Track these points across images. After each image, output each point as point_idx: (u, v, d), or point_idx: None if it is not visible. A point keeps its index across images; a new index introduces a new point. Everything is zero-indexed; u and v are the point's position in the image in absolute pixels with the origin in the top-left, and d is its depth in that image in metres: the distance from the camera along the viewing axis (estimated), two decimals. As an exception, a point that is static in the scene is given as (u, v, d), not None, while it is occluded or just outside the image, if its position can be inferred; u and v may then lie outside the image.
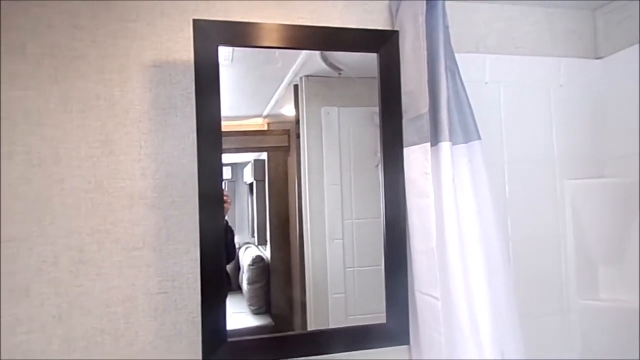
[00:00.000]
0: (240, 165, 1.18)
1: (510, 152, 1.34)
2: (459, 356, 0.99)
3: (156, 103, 1.08)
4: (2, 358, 0.98)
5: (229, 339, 1.00)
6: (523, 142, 1.36)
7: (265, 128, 1.19)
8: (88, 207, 1.04)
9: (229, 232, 1.10)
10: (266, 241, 1.16)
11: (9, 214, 0.99)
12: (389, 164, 1.07)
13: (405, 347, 1.17)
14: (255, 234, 1.17)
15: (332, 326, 1.14)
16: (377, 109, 1.09)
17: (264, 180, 1.16)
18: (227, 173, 1.14)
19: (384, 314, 1.08)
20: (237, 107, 1.16)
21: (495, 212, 1.10)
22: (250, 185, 1.16)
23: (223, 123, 1.02)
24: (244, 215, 1.17)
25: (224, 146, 1.01)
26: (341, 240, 1.18)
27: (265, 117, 1.18)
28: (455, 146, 1.05)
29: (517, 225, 1.33)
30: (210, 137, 0.99)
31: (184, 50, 1.09)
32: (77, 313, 1.02)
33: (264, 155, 1.18)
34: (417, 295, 1.07)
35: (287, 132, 1.19)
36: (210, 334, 0.99)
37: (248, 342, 1.04)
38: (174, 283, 1.07)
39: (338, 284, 1.17)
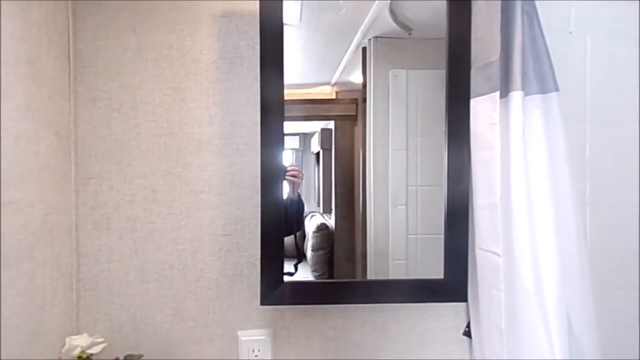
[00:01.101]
0: (308, 136, 1.19)
1: (594, 111, 1.22)
2: (520, 315, 0.95)
3: (223, 53, 1.11)
4: (85, 285, 1.09)
5: (286, 280, 1.04)
6: (610, 101, 1.23)
7: (334, 97, 1.19)
8: (161, 151, 1.11)
9: (300, 206, 1.13)
10: (331, 209, 1.16)
11: (93, 154, 1.09)
12: (454, 115, 1.03)
13: (462, 304, 1.15)
14: (321, 203, 1.18)
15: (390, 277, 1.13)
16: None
17: (331, 150, 1.16)
18: (295, 143, 1.16)
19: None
20: (305, 74, 1.16)
21: (571, 172, 1.02)
22: (317, 154, 1.17)
23: (292, 91, 1.03)
24: (310, 185, 1.18)
25: (292, 114, 1.03)
26: (405, 207, 1.16)
27: (334, 85, 1.18)
28: (529, 97, 0.98)
29: (597, 190, 1.23)
30: (273, 85, 1.00)
31: (251, 1, 1.10)
32: (150, 248, 1.11)
33: (331, 125, 1.18)
34: (478, 252, 1.03)
35: (354, 101, 1.17)
36: (268, 275, 1.03)
37: (304, 284, 1.07)
38: (237, 226, 1.12)
39: (400, 251, 1.16)
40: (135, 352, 1.07)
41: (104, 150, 1.10)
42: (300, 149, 1.18)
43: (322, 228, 1.18)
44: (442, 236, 1.06)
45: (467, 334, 1.16)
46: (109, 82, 1.09)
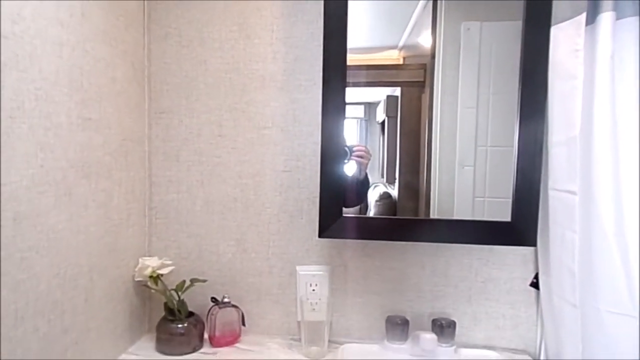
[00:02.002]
0: (373, 105, 1.16)
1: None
2: (596, 260, 0.88)
3: (288, -14, 1.11)
4: (157, 214, 1.16)
5: (344, 215, 1.03)
6: None
7: (401, 62, 1.14)
8: (226, 86, 1.13)
9: (366, 184, 1.11)
10: (395, 179, 1.13)
11: (165, 89, 1.14)
12: (531, 44, 0.95)
13: (531, 254, 1.09)
14: (385, 174, 1.15)
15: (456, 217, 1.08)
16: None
17: (396, 117, 1.12)
18: (359, 112, 1.14)
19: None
20: (371, 37, 1.12)
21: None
22: (382, 124, 1.13)
23: (357, 56, 1.01)
24: (374, 155, 1.15)
25: (356, 80, 1.02)
26: (472, 168, 1.10)
27: (401, 49, 1.12)
28: (621, 20, 0.88)
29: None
30: (336, 45, 0.99)
31: None
32: (215, 180, 1.15)
33: (397, 92, 1.13)
34: (551, 193, 0.96)
35: (423, 66, 1.12)
36: (326, 208, 1.03)
37: (364, 219, 1.06)
38: (298, 163, 1.13)
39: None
40: (201, 278, 1.12)
41: (174, 85, 1.14)
42: (365, 118, 1.15)
43: (384, 197, 1.15)
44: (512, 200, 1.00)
45: (535, 285, 1.09)
46: (180, 19, 1.13)
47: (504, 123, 1.04)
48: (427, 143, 1.10)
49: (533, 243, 1.00)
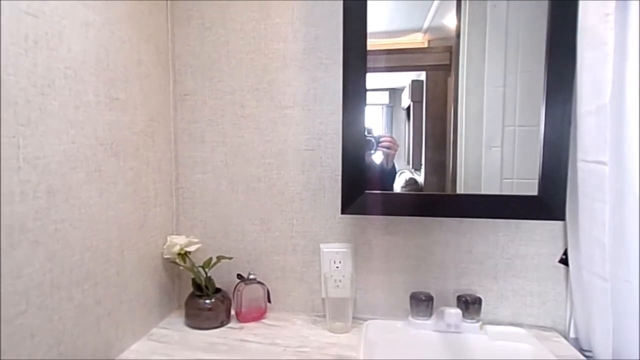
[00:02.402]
0: (398, 91, 1.14)
1: None
2: (628, 232, 0.85)
3: (307, -36, 1.10)
4: (183, 194, 1.19)
5: (366, 191, 1.03)
6: None
7: (425, 45, 1.12)
8: (248, 67, 1.15)
9: (392, 174, 1.10)
10: (420, 165, 1.11)
11: (189, 71, 1.16)
12: (558, 10, 0.92)
13: (559, 231, 1.07)
14: (411, 160, 1.13)
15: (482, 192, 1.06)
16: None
17: (422, 102, 1.10)
18: (384, 98, 1.12)
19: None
20: (394, 20, 1.10)
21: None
22: (407, 110, 1.12)
23: (379, 40, 1.01)
24: (400, 142, 1.13)
25: (380, 65, 1.02)
26: (500, 149, 1.07)
27: (426, 31, 1.10)
28: (654, -20, 0.84)
29: None
30: (356, 27, 0.99)
31: None
32: (239, 160, 1.17)
33: (423, 76, 1.11)
34: (580, 165, 0.93)
35: (448, 49, 1.09)
36: (349, 185, 1.03)
37: (387, 195, 1.06)
38: (320, 142, 1.14)
39: None
40: (227, 255, 1.15)
41: (198, 68, 1.16)
42: (390, 105, 1.13)
43: (410, 183, 1.14)
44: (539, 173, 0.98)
45: (564, 261, 1.07)
46: (201, 1, 1.14)
47: (532, 102, 1.01)
48: (453, 126, 1.08)
49: (561, 217, 0.98)
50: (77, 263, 0.78)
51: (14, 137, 0.63)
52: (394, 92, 1.13)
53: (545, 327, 1.09)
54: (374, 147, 1.06)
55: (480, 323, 1.04)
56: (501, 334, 1.03)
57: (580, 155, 0.94)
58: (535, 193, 0.98)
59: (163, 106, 1.12)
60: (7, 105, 0.62)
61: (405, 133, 1.12)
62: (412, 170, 1.14)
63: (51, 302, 0.72)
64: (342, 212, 1.05)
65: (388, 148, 1.07)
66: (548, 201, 0.97)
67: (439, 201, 1.04)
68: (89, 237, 0.82)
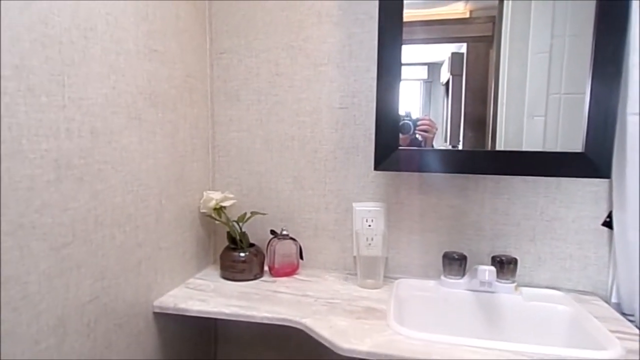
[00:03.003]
0: (436, 65, 1.10)
1: None
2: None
3: None
4: (219, 152, 1.22)
5: (400, 148, 1.02)
6: None
7: (467, 16, 1.07)
8: (283, 24, 1.14)
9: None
10: (458, 142, 1.08)
11: (224, 29, 1.17)
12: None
13: (603, 192, 1.02)
14: (449, 137, 1.10)
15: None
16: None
17: (461, 75, 1.06)
18: (422, 73, 1.09)
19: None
20: None
21: None
22: (446, 85, 1.08)
23: (418, 11, 0.99)
24: (438, 120, 1.10)
25: (419, 37, 1.00)
26: (543, 118, 1.02)
27: (467, 0, 1.06)
28: None
29: None
30: None
31: None
32: (273, 119, 1.18)
33: (463, 48, 1.07)
34: (629, 119, 0.89)
35: (491, 19, 1.04)
36: (382, 141, 1.02)
37: (422, 151, 1.04)
38: (354, 99, 1.13)
39: None
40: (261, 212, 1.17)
41: (234, 26, 1.17)
42: (429, 80, 1.10)
43: None
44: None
45: (608, 224, 1.02)
46: (237, -42, 1.15)
47: (580, 67, 0.96)
48: (494, 98, 1.04)
49: (607, 174, 0.93)
50: (119, 205, 0.82)
51: (59, 75, 0.66)
52: (433, 67, 1.09)
53: (585, 291, 1.05)
54: (412, 131, 1.04)
55: (515, 284, 1.01)
56: (537, 296, 1.00)
57: (630, 108, 0.89)
58: (581, 150, 0.94)
59: (200, 64, 1.13)
60: (53, 43, 0.65)
61: (443, 109, 1.09)
62: (451, 147, 1.11)
63: (95, 238, 0.76)
64: (375, 168, 1.04)
65: (426, 132, 1.05)
66: (594, 158, 0.93)
67: (476, 157, 1.01)
68: (130, 182, 0.85)
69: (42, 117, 0.64)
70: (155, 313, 0.95)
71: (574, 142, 0.96)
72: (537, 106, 1.03)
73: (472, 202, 1.10)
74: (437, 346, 0.76)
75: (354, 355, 0.76)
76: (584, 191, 1.03)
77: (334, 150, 1.16)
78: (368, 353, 0.75)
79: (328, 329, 0.83)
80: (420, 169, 1.04)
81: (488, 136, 1.05)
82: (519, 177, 1.05)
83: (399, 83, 1.00)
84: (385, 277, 1.10)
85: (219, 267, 1.15)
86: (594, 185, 1.02)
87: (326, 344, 0.80)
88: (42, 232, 0.64)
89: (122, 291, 0.84)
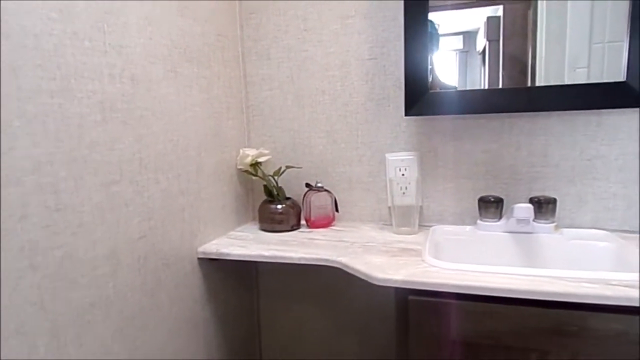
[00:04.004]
0: (472, 34, 1.08)
1: None
2: None
3: None
4: (253, 111, 1.25)
5: (431, 91, 1.02)
6: None
7: None
8: (309, -21, 1.15)
9: None
10: None
11: (252, -11, 1.20)
12: None
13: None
14: None
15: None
16: None
17: (498, 41, 1.03)
18: (458, 43, 1.07)
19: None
20: None
21: None
22: (483, 53, 1.05)
23: None
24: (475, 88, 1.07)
25: (453, 1, 0.99)
26: (586, 69, 0.99)
27: None
28: None
29: None
30: None
31: None
32: (304, 75, 1.20)
33: (500, 11, 1.03)
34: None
35: None
36: (412, 85, 1.02)
37: (453, 92, 1.03)
38: (383, 49, 1.13)
39: None
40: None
41: (261, -15, 1.19)
42: (465, 50, 1.08)
43: None
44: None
45: (654, 160, 0.98)
46: None
47: (626, 10, 0.91)
48: (532, 59, 1.01)
49: (651, 103, 0.89)
50: (161, 152, 0.87)
51: (100, 22, 0.71)
52: (468, 36, 1.07)
53: (630, 231, 1.01)
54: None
55: (554, 224, 0.99)
56: (579, 235, 0.98)
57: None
58: (623, 79, 0.90)
59: (230, 25, 1.17)
60: (92, -9, 0.69)
61: (481, 79, 1.06)
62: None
63: (140, 180, 0.81)
64: (407, 114, 1.04)
65: None
66: (637, 85, 0.89)
67: (512, 95, 0.99)
68: (170, 131, 0.90)
69: (87, 60, 0.68)
70: (199, 259, 1.01)
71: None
72: (579, 58, 0.99)
73: (508, 145, 1.08)
74: (472, 274, 0.76)
75: (389, 285, 0.77)
76: (627, 126, 0.99)
77: (364, 102, 1.16)
78: (403, 281, 0.76)
79: (364, 264, 0.85)
80: (453, 111, 1.03)
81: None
82: (557, 116, 1.03)
83: (426, 20, 0.99)
84: (420, 225, 1.11)
85: (257, 222, 1.19)
86: (637, 120, 0.98)
87: (362, 276, 0.82)
88: (93, 168, 0.70)
89: (168, 234, 0.89)
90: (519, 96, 0.98)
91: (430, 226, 1.10)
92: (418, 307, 0.76)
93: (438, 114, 1.06)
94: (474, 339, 0.74)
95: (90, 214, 0.69)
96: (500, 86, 1.02)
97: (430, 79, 1.03)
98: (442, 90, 1.03)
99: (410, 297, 0.77)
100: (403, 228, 1.09)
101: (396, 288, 0.78)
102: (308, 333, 1.31)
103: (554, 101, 0.95)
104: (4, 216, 0.55)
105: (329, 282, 1.26)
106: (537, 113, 1.03)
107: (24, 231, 0.58)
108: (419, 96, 1.02)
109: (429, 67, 1.02)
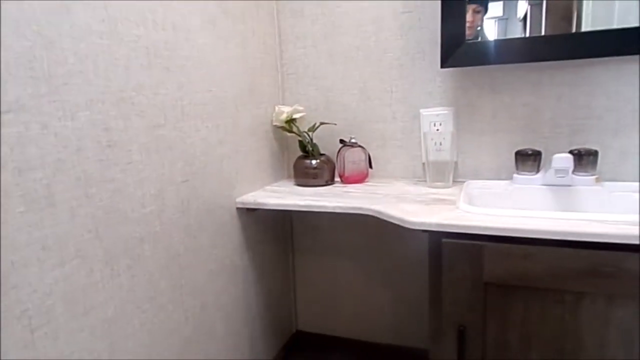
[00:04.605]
0: (513, 2, 1.03)
1: None
2: None
3: None
4: (287, 70, 1.26)
5: (467, 40, 1.00)
6: None
7: None
8: None
9: None
10: None
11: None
12: None
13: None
14: None
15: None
16: None
17: (541, 3, 0.98)
18: (497, 10, 1.03)
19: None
20: None
21: None
22: (524, 19, 1.00)
23: None
24: None
25: None
26: (638, 13, 0.93)
27: None
28: None
29: None
30: None
31: None
32: (337, 32, 1.20)
33: None
34: None
35: None
36: (448, 34, 1.01)
37: (490, 43, 1.01)
38: (417, 2, 1.11)
39: None
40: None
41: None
42: (504, 17, 1.04)
43: None
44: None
45: None
46: None
47: None
48: (577, 20, 0.97)
49: None
50: (201, 101, 0.90)
51: (142, -31, 0.74)
52: (508, 2, 1.03)
53: (677, 183, 0.98)
54: None
55: (595, 177, 0.97)
56: (621, 187, 0.95)
57: None
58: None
59: (265, -18, 1.17)
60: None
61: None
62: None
63: (183, 126, 0.85)
64: (442, 66, 1.03)
65: None
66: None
67: (555, 42, 0.95)
68: (208, 81, 0.93)
69: (130, 5, 0.71)
70: (238, 209, 1.05)
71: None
72: (629, 11, 0.94)
73: (548, 97, 1.05)
74: (506, 218, 0.75)
75: (423, 228, 0.78)
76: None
77: (399, 57, 1.16)
78: (438, 225, 0.77)
79: (398, 210, 0.86)
80: (491, 61, 1.01)
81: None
82: (601, 65, 0.99)
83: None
84: (454, 181, 1.10)
85: (292, 179, 1.22)
86: (689, 66, 0.93)
87: (396, 221, 0.83)
88: (140, 110, 0.73)
89: (208, 181, 0.93)
90: (562, 43, 0.95)
91: (465, 182, 1.10)
92: (451, 250, 0.77)
93: (476, 65, 1.04)
94: (507, 281, 0.74)
95: (138, 153, 0.73)
96: (543, 33, 0.99)
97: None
98: (479, 40, 1.00)
99: (444, 240, 0.77)
100: (437, 183, 1.09)
101: (430, 233, 0.79)
102: (342, 287, 1.35)
103: (600, 47, 0.91)
104: (61, 147, 0.60)
105: (362, 236, 1.28)
106: (580, 63, 0.99)
107: (79, 162, 0.62)
108: (456, 47, 1.00)
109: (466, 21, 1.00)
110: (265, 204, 1.02)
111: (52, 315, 0.59)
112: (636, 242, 0.65)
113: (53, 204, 0.59)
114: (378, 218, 0.89)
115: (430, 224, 0.78)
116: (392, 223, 0.84)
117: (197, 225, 0.89)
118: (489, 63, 1.01)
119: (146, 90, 0.75)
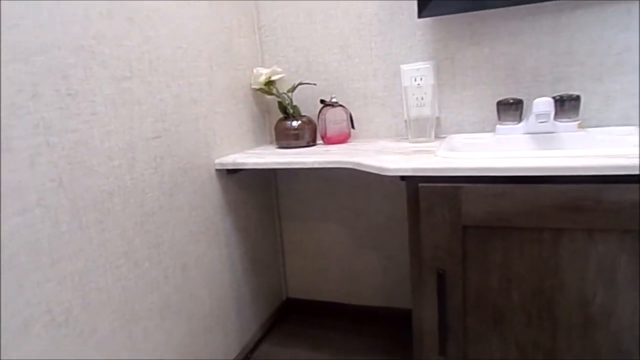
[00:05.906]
0: None
1: None
2: None
3: None
4: (265, 32, 1.23)
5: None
6: None
7: None
8: None
9: None
10: None
11: None
12: None
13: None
14: None
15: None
16: None
17: None
18: None
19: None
20: None
21: None
22: None
23: None
24: None
25: None
26: None
27: None
28: None
29: None
30: None
31: None
32: (314, -11, 1.17)
33: None
34: None
35: None
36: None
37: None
38: (395, -47, 1.08)
39: None
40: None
41: None
42: None
43: None
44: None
45: (690, 48, 0.91)
46: None
47: None
48: None
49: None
50: (170, 57, 0.88)
51: None
52: None
53: (661, 126, 0.96)
54: None
55: (578, 122, 0.95)
56: (605, 132, 0.93)
57: None
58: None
59: (237, -62, 1.14)
60: None
61: None
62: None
63: (152, 81, 0.83)
64: (420, 16, 1.01)
65: None
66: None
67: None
68: (178, 37, 0.90)
69: (88, -50, 0.69)
70: (217, 170, 1.03)
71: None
72: None
73: (529, 45, 1.03)
74: (483, 160, 0.74)
75: (400, 174, 0.77)
76: (660, 13, 0.92)
77: (377, 12, 1.13)
78: (414, 169, 0.76)
79: (376, 161, 0.84)
80: (467, 8, 0.98)
81: None
82: (583, 9, 0.96)
83: None
84: (437, 137, 1.09)
85: (274, 143, 1.20)
86: (672, 3, 0.91)
87: (374, 171, 0.82)
88: (102, 60, 0.71)
89: (183, 140, 0.91)
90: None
91: (447, 136, 1.08)
92: (429, 194, 0.75)
93: (453, 12, 1.01)
94: (485, 222, 0.73)
95: (102, 105, 0.71)
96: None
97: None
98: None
99: (421, 185, 0.76)
100: (420, 139, 1.07)
101: (407, 180, 0.78)
102: (331, 252, 1.34)
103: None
104: (13, 91, 0.58)
105: (347, 199, 1.27)
106: (561, 7, 0.97)
107: (36, 109, 0.61)
108: (433, -5, 0.97)
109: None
110: (244, 164, 1.00)
111: (14, 264, 0.58)
112: (614, 172, 0.64)
113: (9, 148, 0.57)
114: (361, 175, 0.87)
115: (406, 169, 0.76)
116: (376, 180, 0.82)
117: (172, 183, 0.88)
118: (467, 10, 0.99)
119: (108, 40, 0.73)
